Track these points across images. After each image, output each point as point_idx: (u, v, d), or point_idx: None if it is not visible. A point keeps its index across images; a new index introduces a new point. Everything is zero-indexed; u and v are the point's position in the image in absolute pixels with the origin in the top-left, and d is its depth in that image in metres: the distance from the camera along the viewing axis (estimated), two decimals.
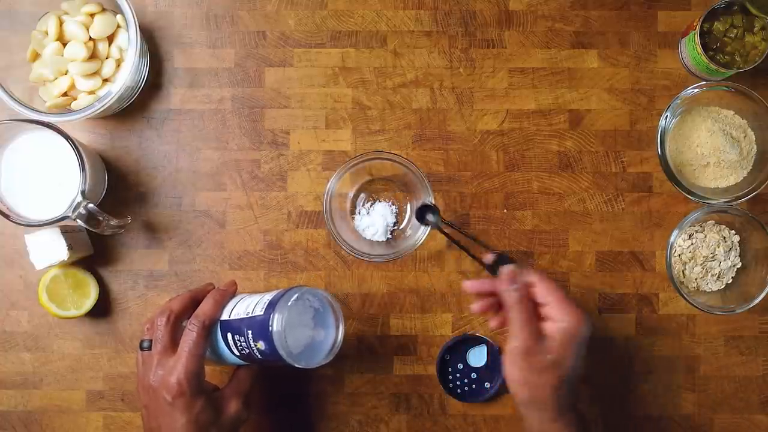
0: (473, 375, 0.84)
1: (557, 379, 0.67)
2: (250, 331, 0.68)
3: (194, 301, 0.74)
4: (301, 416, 0.85)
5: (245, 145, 0.86)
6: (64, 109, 0.81)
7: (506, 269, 0.70)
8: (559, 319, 0.67)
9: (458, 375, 0.84)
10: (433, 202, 0.78)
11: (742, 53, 0.80)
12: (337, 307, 0.70)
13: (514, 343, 0.67)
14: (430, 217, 0.78)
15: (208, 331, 0.71)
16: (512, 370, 0.68)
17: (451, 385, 0.84)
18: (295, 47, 0.86)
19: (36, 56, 0.82)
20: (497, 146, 0.86)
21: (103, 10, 0.82)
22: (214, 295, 0.73)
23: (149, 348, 0.72)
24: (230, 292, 0.75)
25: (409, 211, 0.85)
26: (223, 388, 0.73)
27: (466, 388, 0.84)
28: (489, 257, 0.73)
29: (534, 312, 0.69)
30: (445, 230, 0.78)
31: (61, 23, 0.80)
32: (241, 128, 0.86)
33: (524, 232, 0.86)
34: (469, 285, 0.72)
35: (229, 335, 0.71)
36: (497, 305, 0.72)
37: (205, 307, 0.72)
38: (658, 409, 0.85)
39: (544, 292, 0.69)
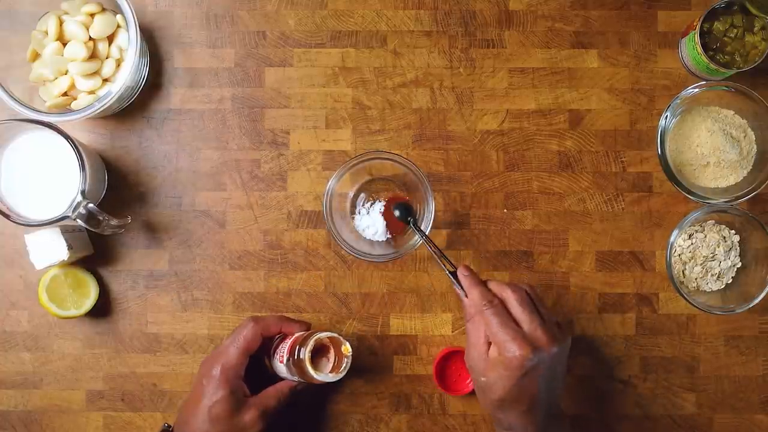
0: None
1: (536, 383, 0.68)
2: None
3: (287, 326, 0.78)
4: (301, 416, 0.85)
5: (245, 145, 0.86)
6: (64, 109, 0.81)
7: (471, 289, 0.72)
8: (499, 343, 0.69)
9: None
10: (408, 199, 0.81)
11: (742, 53, 0.80)
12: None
13: (493, 351, 0.69)
14: (407, 216, 0.82)
15: (257, 336, 0.76)
16: (491, 374, 0.68)
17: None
18: (295, 47, 0.86)
19: (36, 56, 0.82)
20: (497, 146, 0.86)
21: (103, 10, 0.82)
22: (282, 317, 0.78)
23: None
24: (296, 325, 0.78)
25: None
26: (251, 398, 0.75)
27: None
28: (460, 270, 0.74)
29: (509, 317, 0.69)
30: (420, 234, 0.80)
31: (61, 23, 0.80)
32: (241, 128, 0.86)
33: (524, 232, 0.86)
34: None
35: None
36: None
37: (269, 318, 0.77)
38: (658, 409, 0.85)
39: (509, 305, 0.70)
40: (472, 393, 0.83)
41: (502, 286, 0.71)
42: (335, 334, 0.73)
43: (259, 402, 0.75)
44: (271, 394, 0.76)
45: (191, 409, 0.74)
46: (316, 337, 0.71)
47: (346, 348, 0.72)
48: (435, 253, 0.76)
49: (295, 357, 0.72)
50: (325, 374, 0.72)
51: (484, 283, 0.72)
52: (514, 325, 0.68)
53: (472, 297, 0.71)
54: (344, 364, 0.73)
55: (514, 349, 0.66)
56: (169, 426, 0.79)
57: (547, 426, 0.70)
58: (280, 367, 0.75)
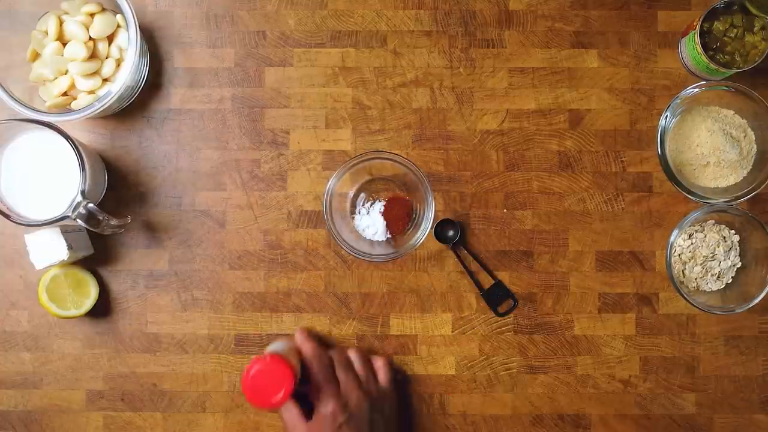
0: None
1: None
2: None
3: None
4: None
5: (245, 145, 0.86)
6: (64, 109, 0.81)
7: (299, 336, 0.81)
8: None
9: None
10: (451, 218, 0.85)
11: (742, 53, 0.80)
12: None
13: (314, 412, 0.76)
14: (450, 234, 0.85)
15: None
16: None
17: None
18: (295, 47, 0.86)
19: (36, 56, 0.82)
20: (497, 146, 0.86)
21: (103, 9, 0.82)
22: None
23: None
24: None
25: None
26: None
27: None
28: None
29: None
30: (459, 252, 0.83)
31: (61, 23, 0.80)
32: (241, 128, 0.86)
33: (524, 232, 0.86)
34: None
35: None
36: None
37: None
38: (658, 409, 0.85)
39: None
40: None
41: (332, 351, 0.81)
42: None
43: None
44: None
45: None
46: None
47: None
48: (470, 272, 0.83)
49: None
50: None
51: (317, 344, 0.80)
52: (334, 385, 0.77)
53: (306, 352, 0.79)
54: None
55: (328, 405, 0.75)
56: None
57: None
58: None
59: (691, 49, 0.82)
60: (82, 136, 0.86)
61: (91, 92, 0.81)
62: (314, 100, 0.86)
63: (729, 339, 0.85)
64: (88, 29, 0.80)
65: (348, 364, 0.80)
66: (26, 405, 0.85)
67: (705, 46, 0.80)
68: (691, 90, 0.80)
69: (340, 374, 0.78)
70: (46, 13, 0.82)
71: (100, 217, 0.74)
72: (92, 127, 0.86)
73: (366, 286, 0.85)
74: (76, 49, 0.79)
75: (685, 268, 0.83)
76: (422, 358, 0.85)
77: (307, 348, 0.78)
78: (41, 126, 0.74)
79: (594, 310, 0.85)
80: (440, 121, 0.86)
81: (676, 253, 0.83)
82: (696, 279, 0.83)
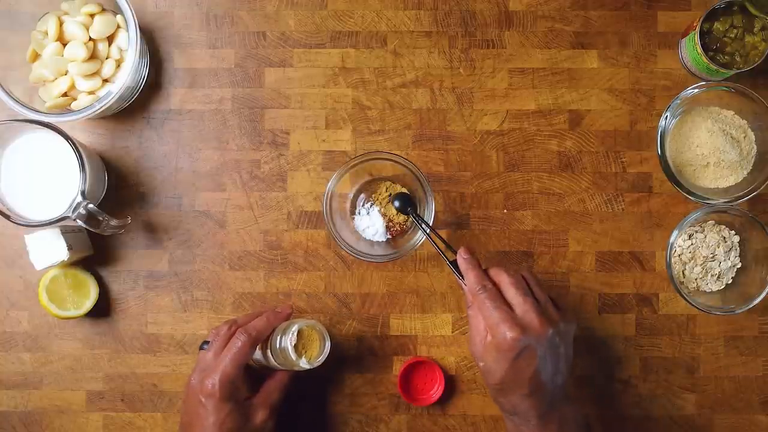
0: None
1: (533, 366, 0.67)
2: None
3: (275, 322, 0.77)
4: (301, 416, 0.85)
5: (245, 145, 0.86)
6: (64, 109, 0.81)
7: (466, 267, 0.72)
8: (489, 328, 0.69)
9: None
10: (405, 190, 0.82)
11: (742, 53, 0.80)
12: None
13: (488, 338, 0.68)
14: (407, 207, 0.81)
15: (253, 344, 0.74)
16: (487, 358, 0.68)
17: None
18: (295, 47, 0.86)
19: (36, 56, 0.82)
20: (497, 146, 0.86)
21: (103, 10, 0.82)
22: (269, 316, 0.76)
23: (205, 350, 0.75)
24: (283, 316, 0.77)
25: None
26: (254, 398, 0.75)
27: None
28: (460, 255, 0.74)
29: (502, 301, 0.69)
30: (421, 224, 0.80)
31: (61, 23, 0.80)
32: (241, 128, 0.86)
33: (524, 232, 0.86)
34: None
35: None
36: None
37: (258, 324, 0.75)
38: (658, 409, 0.85)
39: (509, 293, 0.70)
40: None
41: (499, 270, 0.71)
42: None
43: (263, 400, 0.75)
44: (273, 388, 0.77)
45: (198, 430, 0.72)
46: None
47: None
48: (436, 244, 0.77)
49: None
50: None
51: (481, 268, 0.72)
52: (507, 308, 0.68)
53: (468, 281, 0.71)
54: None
55: (504, 331, 0.66)
56: None
57: (551, 411, 0.69)
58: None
59: (691, 49, 0.82)
60: (82, 136, 0.86)
61: (91, 93, 0.81)
62: (314, 101, 0.86)
63: (729, 339, 0.85)
64: (88, 30, 0.80)
65: (524, 285, 0.70)
66: (26, 405, 0.85)
67: (705, 47, 0.80)
68: (691, 90, 0.79)
69: (516, 297, 0.69)
70: (46, 14, 0.82)
71: (100, 218, 0.74)
72: (92, 127, 0.86)
73: (366, 286, 0.85)
74: (76, 50, 0.79)
75: (685, 269, 0.83)
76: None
77: (471, 278, 0.71)
78: (41, 126, 0.74)
79: (594, 311, 0.85)
80: (440, 122, 0.86)
81: (676, 254, 0.83)
82: (696, 279, 0.83)
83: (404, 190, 0.83)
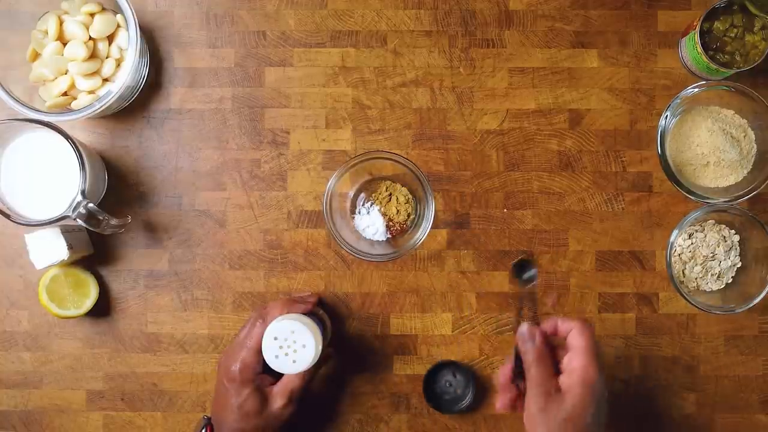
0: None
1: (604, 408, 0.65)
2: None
3: (295, 310, 0.77)
4: (301, 416, 0.85)
5: (245, 145, 0.86)
6: (64, 109, 0.81)
7: (524, 327, 0.68)
8: (577, 368, 0.66)
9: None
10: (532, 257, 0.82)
11: (742, 53, 0.80)
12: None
13: (532, 407, 0.66)
14: (527, 274, 0.71)
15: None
16: (532, 429, 0.66)
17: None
18: (295, 47, 0.86)
19: (36, 56, 0.82)
20: (497, 146, 0.86)
21: (103, 9, 0.82)
22: (284, 301, 0.78)
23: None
24: (302, 304, 0.78)
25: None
26: (274, 385, 0.76)
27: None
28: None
29: (551, 369, 0.67)
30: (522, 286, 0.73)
31: (61, 23, 0.80)
32: (241, 128, 0.86)
33: (524, 232, 0.86)
34: (502, 374, 0.71)
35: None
36: (519, 396, 0.70)
37: (273, 310, 0.76)
38: (658, 409, 0.85)
39: (575, 335, 0.67)
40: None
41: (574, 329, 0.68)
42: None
43: (284, 388, 0.76)
44: (293, 378, 0.77)
45: (223, 409, 0.75)
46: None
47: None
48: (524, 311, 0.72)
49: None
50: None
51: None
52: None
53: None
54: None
55: (594, 373, 0.65)
56: (209, 418, 0.79)
57: None
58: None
59: (691, 48, 0.82)
60: (82, 136, 0.86)
61: (91, 92, 0.81)
62: (314, 100, 0.86)
63: (729, 339, 0.85)
64: (88, 29, 0.80)
65: (542, 358, 0.67)
66: (26, 405, 0.85)
67: (705, 46, 0.80)
68: (691, 90, 0.79)
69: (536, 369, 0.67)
70: (46, 13, 0.82)
71: (100, 217, 0.74)
72: (92, 127, 0.86)
73: (366, 286, 0.85)
74: (76, 49, 0.79)
75: (685, 268, 0.83)
76: (422, 358, 0.85)
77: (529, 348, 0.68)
78: (41, 126, 0.74)
79: (594, 310, 0.85)
80: (440, 121, 0.86)
81: (676, 253, 0.83)
82: (696, 279, 0.83)
83: (526, 257, 0.76)
